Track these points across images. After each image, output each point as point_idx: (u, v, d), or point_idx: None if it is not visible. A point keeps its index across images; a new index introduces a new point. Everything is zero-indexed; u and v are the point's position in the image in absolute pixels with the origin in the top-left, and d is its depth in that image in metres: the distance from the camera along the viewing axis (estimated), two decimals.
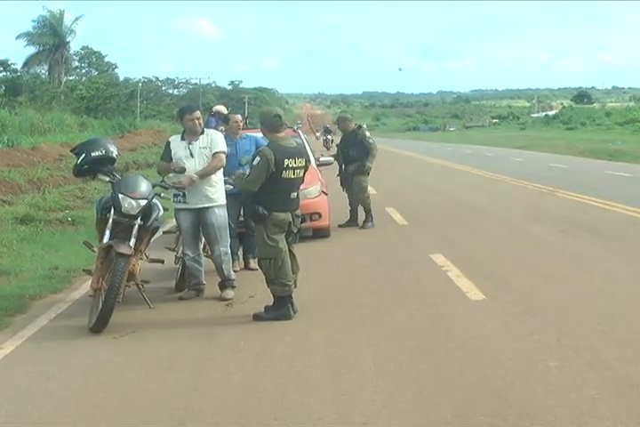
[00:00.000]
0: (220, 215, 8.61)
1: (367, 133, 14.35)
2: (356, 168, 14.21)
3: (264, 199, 7.59)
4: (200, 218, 8.58)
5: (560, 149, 45.84)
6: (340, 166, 14.49)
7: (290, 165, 7.63)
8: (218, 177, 8.62)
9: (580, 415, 4.94)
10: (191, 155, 8.48)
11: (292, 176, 7.70)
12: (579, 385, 5.48)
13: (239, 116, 10.57)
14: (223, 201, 8.68)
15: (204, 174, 8.44)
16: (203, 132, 8.60)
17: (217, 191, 8.58)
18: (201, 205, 8.52)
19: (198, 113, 8.64)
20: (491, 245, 11.80)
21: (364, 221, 14.17)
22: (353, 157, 14.18)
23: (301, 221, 8.21)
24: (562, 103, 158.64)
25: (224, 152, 8.62)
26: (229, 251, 8.79)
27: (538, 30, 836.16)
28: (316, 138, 20.02)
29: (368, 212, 14.23)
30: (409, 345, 6.61)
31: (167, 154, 8.68)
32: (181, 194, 8.42)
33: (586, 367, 5.88)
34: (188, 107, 9.01)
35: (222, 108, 17.95)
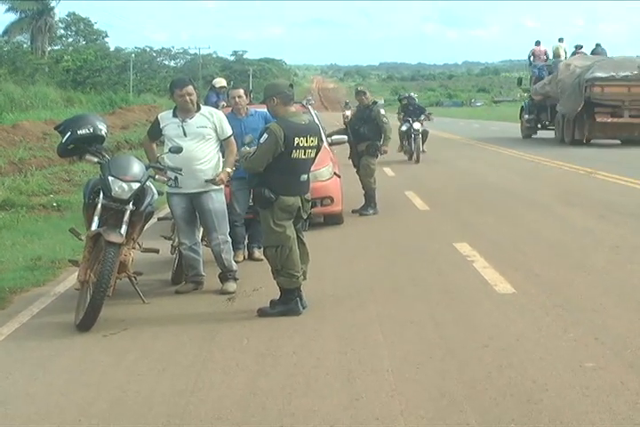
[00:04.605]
0: (218, 200, 8.60)
1: (382, 111, 14.27)
2: (366, 148, 14.20)
3: (271, 181, 7.57)
4: (195, 204, 8.57)
5: None
6: (351, 146, 14.44)
7: (301, 144, 7.59)
8: (215, 159, 8.59)
9: (619, 422, 4.93)
10: (184, 134, 8.43)
11: (303, 156, 7.67)
12: (618, 388, 5.46)
13: (240, 91, 10.26)
14: (221, 185, 8.66)
15: (232, 163, 8.65)
16: (199, 110, 8.57)
17: (214, 175, 8.55)
18: (195, 190, 8.51)
19: (190, 88, 8.47)
20: (521, 233, 11.77)
21: (363, 206, 14.14)
22: (363, 135, 14.14)
23: (312, 206, 8.20)
24: None
25: (232, 134, 8.66)
26: (229, 239, 8.78)
27: None
28: (345, 119, 19.12)
29: (371, 197, 14.19)
30: (430, 344, 6.61)
31: (154, 131, 8.72)
32: (173, 177, 8.40)
33: (626, 369, 5.87)
34: (179, 80, 8.82)
35: (221, 81, 17.90)
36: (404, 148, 25.25)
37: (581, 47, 34.14)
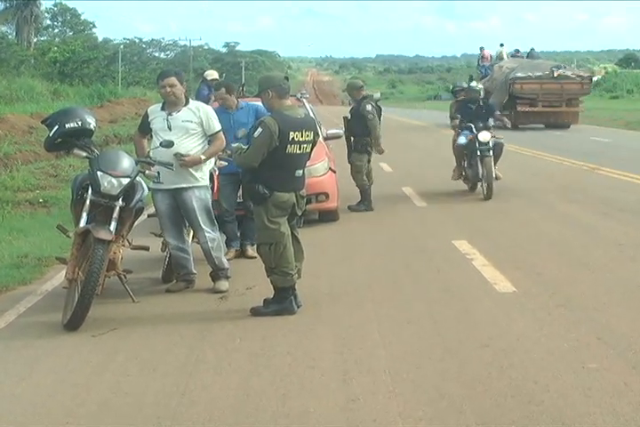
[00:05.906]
0: (202, 197, 8.55)
1: (368, 107, 14.04)
2: (353, 144, 14.27)
3: (265, 177, 7.56)
4: (178, 201, 8.54)
5: (603, 121, 45.56)
6: (347, 141, 14.48)
7: (296, 139, 7.59)
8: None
9: (623, 424, 4.95)
10: (169, 128, 8.42)
11: (298, 151, 7.66)
12: (621, 390, 5.48)
13: (222, 91, 10.17)
14: (206, 181, 8.64)
15: (211, 155, 8.64)
16: (187, 103, 8.57)
17: (198, 170, 8.51)
18: (177, 186, 8.48)
19: (172, 79, 8.45)
20: (522, 231, 11.79)
21: (358, 203, 14.18)
22: (352, 130, 14.25)
23: (307, 203, 8.21)
24: (605, 68, 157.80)
25: (221, 129, 8.63)
26: (217, 236, 8.77)
27: None
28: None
29: (362, 193, 14.21)
30: (428, 344, 6.62)
31: (144, 125, 8.74)
32: (157, 173, 8.38)
33: (629, 369, 5.89)
34: (163, 72, 8.88)
35: (212, 73, 17.91)
36: (463, 173, 15.84)
37: (519, 51, 44.39)
